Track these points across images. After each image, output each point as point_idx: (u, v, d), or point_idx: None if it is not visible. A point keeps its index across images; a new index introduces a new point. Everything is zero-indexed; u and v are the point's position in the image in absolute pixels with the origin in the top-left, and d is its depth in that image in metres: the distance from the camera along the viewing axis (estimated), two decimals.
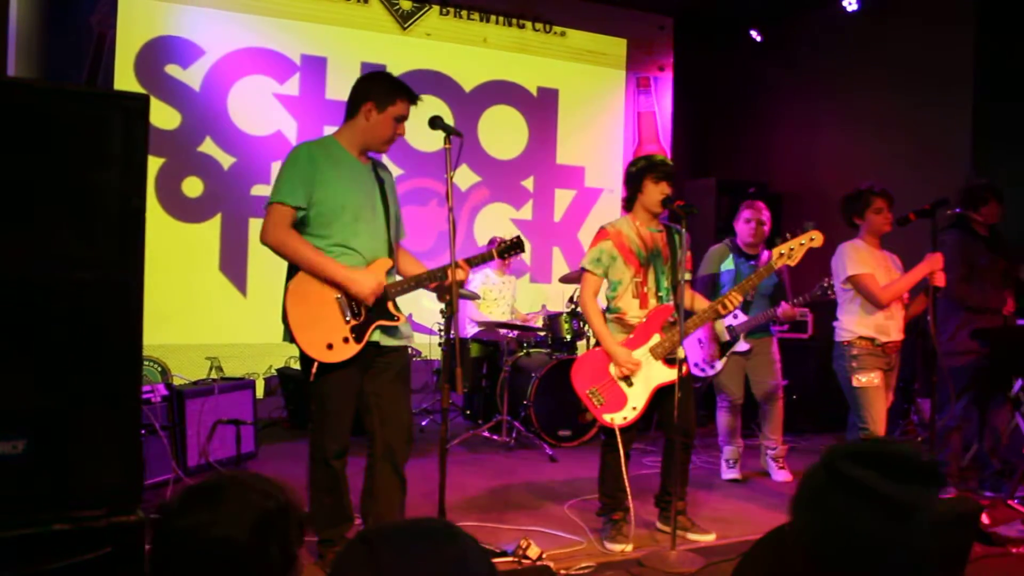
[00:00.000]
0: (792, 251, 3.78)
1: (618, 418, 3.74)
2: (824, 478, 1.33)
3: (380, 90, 3.23)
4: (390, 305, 3.25)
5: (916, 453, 1.30)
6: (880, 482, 1.25)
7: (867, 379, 4.04)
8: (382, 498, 3.30)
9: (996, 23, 6.03)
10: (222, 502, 1.27)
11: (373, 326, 3.19)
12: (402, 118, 3.25)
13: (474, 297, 6.43)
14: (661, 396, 3.78)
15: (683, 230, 3.78)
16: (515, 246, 3.49)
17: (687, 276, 3.87)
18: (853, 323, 4.10)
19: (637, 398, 3.76)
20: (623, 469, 3.72)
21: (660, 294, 3.83)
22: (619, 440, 3.71)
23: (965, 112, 6.18)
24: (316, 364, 3.12)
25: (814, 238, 3.79)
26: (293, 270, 3.17)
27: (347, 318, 3.14)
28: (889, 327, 4.09)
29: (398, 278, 3.35)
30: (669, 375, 3.71)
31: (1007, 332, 4.49)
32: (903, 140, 6.68)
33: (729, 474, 4.99)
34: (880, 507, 1.25)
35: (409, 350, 3.46)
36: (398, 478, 3.32)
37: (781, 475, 4.98)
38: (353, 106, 3.26)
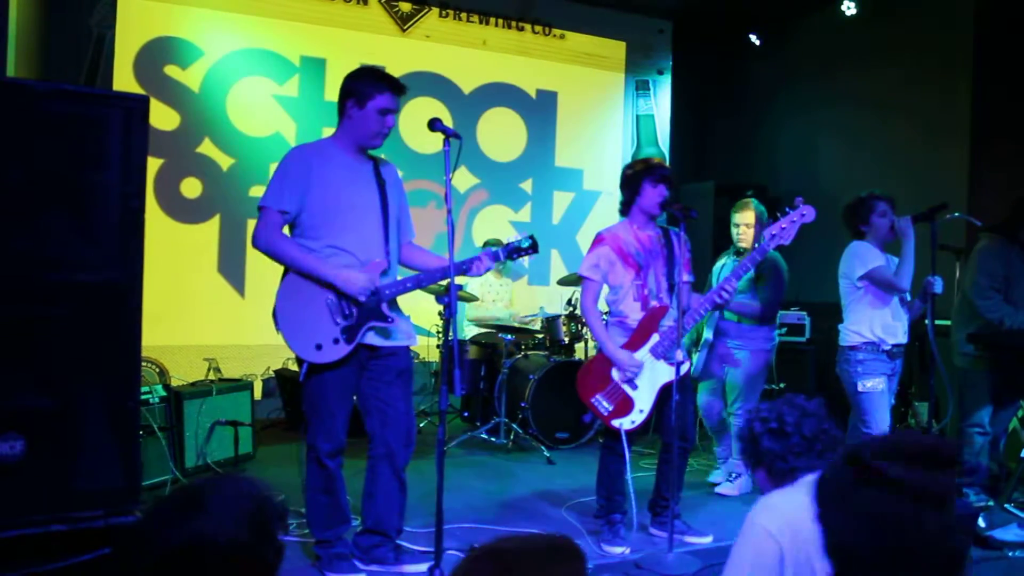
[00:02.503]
0: (784, 229, 3.68)
1: (627, 423, 3.73)
2: (851, 476, 1.26)
3: (361, 86, 3.21)
4: (383, 306, 3.23)
5: (935, 441, 1.24)
6: (909, 473, 1.18)
7: (872, 384, 4.03)
8: (382, 500, 3.31)
9: (996, 26, 6.04)
10: (209, 506, 1.23)
11: (364, 327, 3.19)
12: (387, 111, 3.21)
13: (472, 299, 6.43)
14: (660, 399, 3.78)
15: (681, 232, 3.77)
16: (526, 248, 3.54)
17: (687, 277, 3.87)
18: (861, 326, 4.06)
19: (644, 401, 3.75)
20: (627, 473, 3.72)
21: (661, 296, 3.83)
22: (625, 444, 3.71)
23: (964, 113, 6.18)
24: (307, 364, 3.14)
25: (805, 214, 3.68)
26: (286, 272, 3.18)
27: (337, 319, 3.14)
28: (896, 328, 4.07)
29: (396, 278, 3.34)
30: (673, 373, 3.70)
31: (1004, 337, 4.43)
32: (902, 143, 6.68)
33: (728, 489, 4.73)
34: (913, 497, 1.18)
35: (410, 351, 3.46)
36: (398, 480, 3.32)
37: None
38: (340, 105, 3.27)
